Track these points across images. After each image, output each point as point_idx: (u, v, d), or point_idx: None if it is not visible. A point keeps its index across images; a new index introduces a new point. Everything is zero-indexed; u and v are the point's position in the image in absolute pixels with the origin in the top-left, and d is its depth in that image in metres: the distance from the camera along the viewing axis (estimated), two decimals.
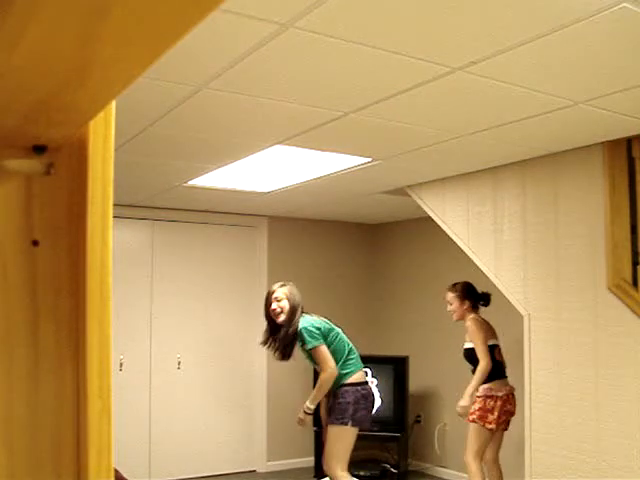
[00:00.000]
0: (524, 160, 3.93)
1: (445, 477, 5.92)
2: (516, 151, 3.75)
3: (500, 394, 4.23)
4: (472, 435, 4.27)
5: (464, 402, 4.25)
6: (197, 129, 3.36)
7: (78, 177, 1.01)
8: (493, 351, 4.32)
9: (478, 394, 4.26)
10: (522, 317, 3.91)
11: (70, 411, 1.00)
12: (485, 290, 4.47)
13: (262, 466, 6.23)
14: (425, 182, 4.64)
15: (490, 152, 3.78)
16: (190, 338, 6.02)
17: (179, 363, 5.96)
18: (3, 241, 0.98)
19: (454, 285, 4.53)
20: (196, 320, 6.05)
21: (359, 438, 6.12)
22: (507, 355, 5.24)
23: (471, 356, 4.35)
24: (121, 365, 5.63)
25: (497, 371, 4.29)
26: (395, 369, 5.95)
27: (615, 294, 3.42)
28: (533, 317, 3.84)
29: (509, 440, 5.12)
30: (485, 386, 4.24)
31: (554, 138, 3.49)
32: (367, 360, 6.45)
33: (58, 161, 0.99)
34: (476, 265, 4.26)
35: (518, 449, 4.13)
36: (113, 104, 0.98)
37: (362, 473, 5.88)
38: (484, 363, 4.19)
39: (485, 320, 4.43)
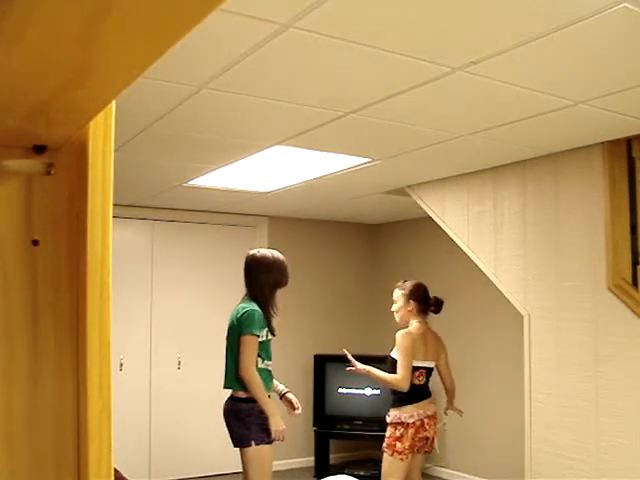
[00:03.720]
0: (524, 160, 3.92)
1: (445, 477, 5.93)
2: (516, 151, 3.75)
3: (411, 421, 3.79)
4: (385, 467, 3.87)
5: (358, 365, 3.88)
6: (197, 129, 3.36)
7: (78, 177, 1.01)
8: (413, 374, 3.86)
9: (388, 420, 3.88)
10: (522, 317, 3.91)
11: (70, 411, 1.00)
12: (439, 296, 4.02)
13: None
14: (425, 182, 4.64)
15: (490, 152, 3.78)
16: (190, 338, 6.02)
17: (179, 363, 5.96)
18: (3, 241, 0.98)
19: (404, 282, 4.06)
20: (196, 320, 6.05)
21: (359, 438, 6.13)
22: (507, 355, 5.25)
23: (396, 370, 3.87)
24: (121, 365, 5.63)
25: (412, 395, 3.84)
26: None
27: (615, 294, 3.42)
28: (533, 317, 3.84)
29: (509, 440, 5.13)
30: (395, 412, 3.85)
31: (554, 138, 3.49)
32: (367, 360, 6.45)
33: (58, 161, 0.99)
34: (476, 265, 4.26)
35: (518, 449, 4.13)
36: (113, 104, 0.98)
37: (362, 473, 5.87)
38: (397, 379, 3.77)
39: (428, 335, 3.98)
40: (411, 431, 3.79)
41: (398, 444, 3.79)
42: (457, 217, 4.41)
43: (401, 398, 3.85)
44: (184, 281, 6.05)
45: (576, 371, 3.58)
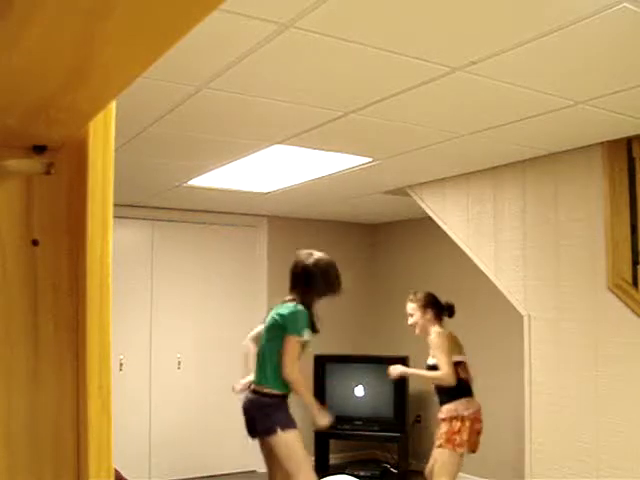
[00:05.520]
0: (524, 160, 3.93)
1: None
2: (516, 151, 3.75)
3: (467, 413, 3.86)
4: (442, 463, 3.88)
5: (401, 369, 4.10)
6: (197, 129, 3.36)
7: (78, 177, 1.01)
8: (457, 368, 3.91)
9: (442, 416, 3.92)
10: (522, 317, 3.91)
11: (70, 411, 1.00)
12: (449, 300, 4.12)
13: (262, 466, 6.20)
14: (425, 182, 4.64)
15: (490, 152, 3.78)
16: (190, 338, 6.02)
17: (179, 363, 5.95)
18: (3, 241, 0.98)
19: (415, 294, 4.15)
20: (196, 320, 6.05)
21: (359, 438, 6.13)
22: (508, 355, 5.25)
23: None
24: (121, 365, 5.63)
25: (461, 389, 3.91)
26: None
27: (615, 294, 3.42)
28: (533, 317, 3.84)
29: (509, 440, 5.13)
30: (449, 406, 3.89)
31: (554, 138, 3.49)
32: (367, 360, 6.42)
33: (58, 161, 0.99)
34: (476, 265, 4.26)
35: (518, 449, 4.13)
36: (113, 104, 0.98)
37: (362, 473, 5.87)
38: (443, 373, 3.81)
39: (452, 334, 4.05)
40: (468, 423, 3.85)
41: (457, 437, 3.84)
42: (457, 217, 4.41)
43: (453, 394, 3.90)
44: (184, 281, 6.04)
45: (576, 371, 3.58)
